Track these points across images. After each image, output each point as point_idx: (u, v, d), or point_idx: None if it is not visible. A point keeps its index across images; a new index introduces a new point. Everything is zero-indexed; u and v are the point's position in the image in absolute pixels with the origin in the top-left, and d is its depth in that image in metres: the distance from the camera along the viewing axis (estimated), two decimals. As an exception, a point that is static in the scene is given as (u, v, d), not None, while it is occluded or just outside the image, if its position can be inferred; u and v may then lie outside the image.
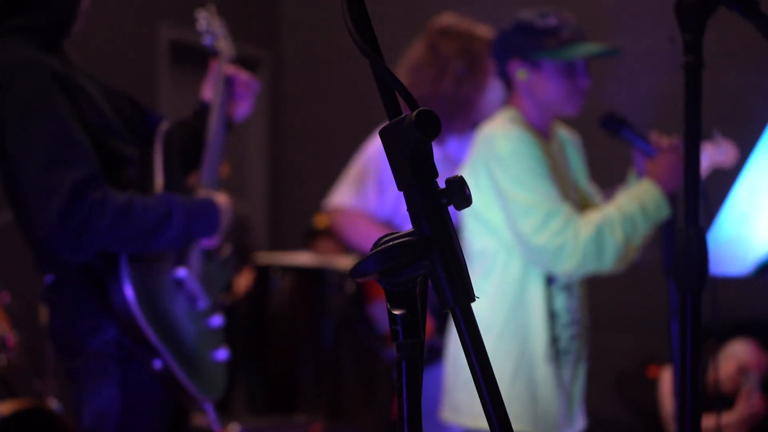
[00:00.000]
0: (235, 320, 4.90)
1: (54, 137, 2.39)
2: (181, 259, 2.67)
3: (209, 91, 2.94)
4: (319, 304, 4.72)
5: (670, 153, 2.72)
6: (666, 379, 4.54)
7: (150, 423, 2.62)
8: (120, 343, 2.53)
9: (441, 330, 3.40)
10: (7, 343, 3.37)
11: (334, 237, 5.95)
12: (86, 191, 2.36)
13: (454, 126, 3.57)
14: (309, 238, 6.27)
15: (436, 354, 3.39)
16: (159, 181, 2.62)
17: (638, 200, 2.69)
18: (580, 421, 2.97)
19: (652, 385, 4.82)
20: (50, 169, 2.36)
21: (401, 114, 1.05)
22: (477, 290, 1.06)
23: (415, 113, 1.02)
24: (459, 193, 1.05)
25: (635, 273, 3.35)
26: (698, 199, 1.77)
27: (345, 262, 4.70)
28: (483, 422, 2.93)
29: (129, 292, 2.47)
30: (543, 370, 2.79)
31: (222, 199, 2.71)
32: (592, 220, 2.70)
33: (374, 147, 3.71)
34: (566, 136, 3.09)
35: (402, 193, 1.06)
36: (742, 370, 4.34)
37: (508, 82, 2.95)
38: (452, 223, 1.06)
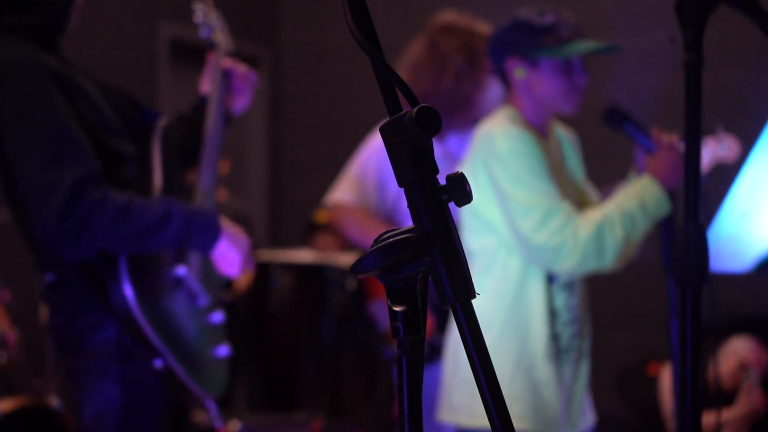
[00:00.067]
0: (235, 318, 4.89)
1: (52, 136, 2.38)
2: (181, 257, 2.66)
3: (207, 85, 2.93)
4: (319, 302, 4.72)
5: (669, 150, 2.72)
6: (666, 377, 4.54)
7: (150, 421, 2.62)
8: (120, 341, 2.52)
9: (442, 328, 3.40)
10: (7, 341, 3.37)
11: (333, 232, 5.94)
12: (85, 190, 2.36)
13: (454, 123, 3.57)
14: (308, 232, 6.26)
15: (436, 352, 3.39)
16: (158, 178, 2.62)
17: (638, 197, 2.69)
18: (588, 417, 2.96)
19: (653, 382, 4.82)
20: (49, 168, 2.36)
21: (402, 111, 1.05)
22: (476, 288, 1.06)
23: (415, 110, 1.02)
24: (460, 190, 1.05)
25: (635, 270, 3.35)
26: (699, 195, 1.77)
27: (345, 260, 4.70)
28: (481, 421, 2.94)
29: (128, 291, 2.46)
30: (543, 369, 2.79)
31: (231, 226, 2.67)
32: (591, 218, 2.70)
33: (375, 144, 3.71)
34: (563, 134, 3.08)
35: (402, 189, 1.06)
36: (742, 367, 4.34)
37: (506, 81, 2.95)
38: (453, 219, 1.06)
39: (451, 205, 1.06)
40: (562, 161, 3.00)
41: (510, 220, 2.75)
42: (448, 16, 3.66)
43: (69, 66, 2.55)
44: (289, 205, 7.30)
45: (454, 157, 3.57)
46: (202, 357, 2.69)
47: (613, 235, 2.67)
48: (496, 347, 2.78)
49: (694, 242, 1.77)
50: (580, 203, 2.98)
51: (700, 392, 1.78)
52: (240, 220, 5.61)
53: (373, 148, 3.70)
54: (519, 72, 2.88)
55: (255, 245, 5.84)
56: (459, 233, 1.07)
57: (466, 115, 3.57)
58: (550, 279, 2.81)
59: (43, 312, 2.62)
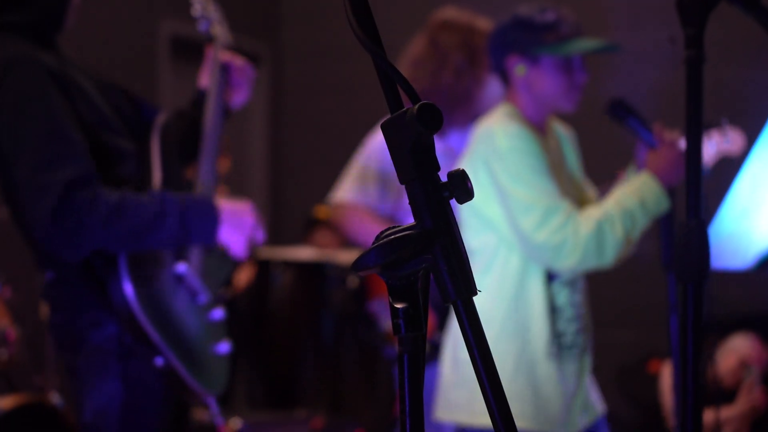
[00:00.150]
0: (236, 315, 4.89)
1: (47, 136, 2.38)
2: (181, 254, 2.66)
3: (206, 79, 2.93)
4: (319, 299, 4.72)
5: (670, 147, 2.72)
6: (667, 374, 4.54)
7: (151, 418, 2.62)
8: (121, 339, 2.52)
9: (443, 326, 3.40)
10: (8, 338, 3.38)
11: (333, 229, 5.95)
12: (78, 190, 2.36)
13: (455, 119, 3.57)
14: (308, 228, 6.26)
15: (437, 351, 3.39)
16: (157, 174, 2.62)
17: (637, 194, 2.69)
18: (597, 407, 2.96)
19: (653, 379, 4.83)
20: (42, 168, 2.36)
21: (403, 107, 1.05)
22: (477, 286, 1.06)
23: (416, 106, 1.02)
24: (461, 187, 1.05)
25: (635, 268, 3.35)
26: (700, 191, 1.77)
27: (346, 257, 4.70)
28: (479, 419, 2.94)
29: (129, 289, 2.46)
30: (544, 367, 2.78)
31: (228, 202, 2.65)
32: (592, 216, 2.70)
33: (376, 141, 3.71)
34: (562, 131, 3.09)
35: (404, 187, 1.06)
36: (743, 365, 4.34)
37: (505, 78, 2.94)
38: (454, 216, 1.06)
39: (452, 202, 1.06)
40: (561, 158, 3.00)
41: (510, 217, 2.75)
42: (448, 13, 3.66)
43: (67, 64, 2.54)
44: (289, 202, 7.30)
45: (456, 154, 3.56)
46: (202, 354, 2.69)
47: (614, 232, 2.67)
48: (496, 345, 2.77)
49: (695, 239, 1.77)
50: (580, 200, 2.98)
51: (701, 389, 1.78)
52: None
53: (375, 145, 3.70)
54: (519, 69, 2.88)
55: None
56: (460, 230, 1.07)
57: (467, 111, 3.57)
58: (552, 276, 2.81)
59: (44, 310, 2.63)
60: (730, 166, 2.60)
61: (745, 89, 5.21)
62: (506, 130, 2.78)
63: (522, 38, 2.85)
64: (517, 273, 2.80)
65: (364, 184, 3.67)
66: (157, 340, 2.50)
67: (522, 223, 2.71)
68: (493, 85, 3.54)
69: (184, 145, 2.88)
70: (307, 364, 4.78)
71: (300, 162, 7.30)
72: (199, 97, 2.92)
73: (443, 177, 1.06)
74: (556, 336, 2.80)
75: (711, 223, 2.27)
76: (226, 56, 2.91)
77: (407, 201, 1.06)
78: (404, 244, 1.04)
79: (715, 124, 2.81)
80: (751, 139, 2.70)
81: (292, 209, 7.07)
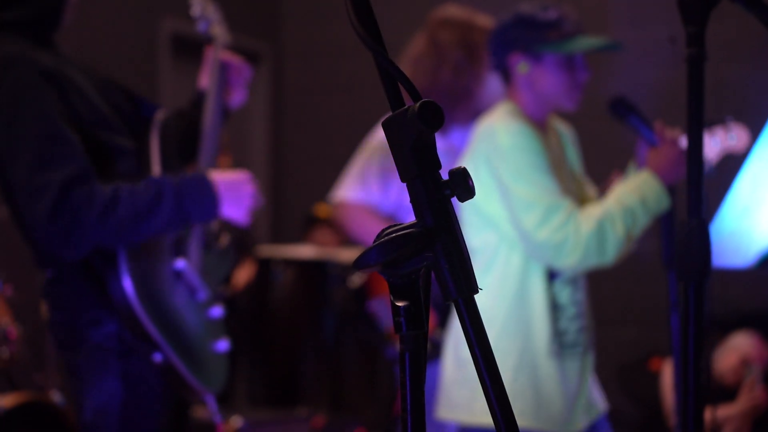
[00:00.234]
0: (236, 313, 4.90)
1: (41, 136, 2.38)
2: (180, 251, 2.66)
3: (206, 80, 2.93)
4: (320, 298, 4.71)
5: (671, 145, 2.72)
6: (668, 372, 4.54)
7: (151, 417, 2.62)
8: (120, 336, 2.52)
9: (443, 324, 3.40)
10: (9, 336, 3.37)
11: (332, 227, 5.95)
12: (73, 189, 2.36)
13: (456, 116, 3.57)
14: (307, 226, 6.27)
15: (438, 349, 3.39)
16: (156, 171, 2.62)
17: (638, 192, 2.69)
18: (599, 406, 2.95)
19: (655, 377, 4.83)
20: (37, 169, 2.36)
21: (404, 105, 1.05)
22: (478, 285, 1.06)
23: (418, 104, 1.02)
24: (462, 185, 1.05)
25: (637, 265, 3.35)
26: (701, 190, 1.77)
27: (347, 255, 4.70)
28: (480, 418, 2.94)
29: (128, 285, 2.46)
30: (546, 365, 2.78)
31: (222, 174, 2.63)
32: (592, 214, 2.70)
33: (378, 139, 3.71)
34: (562, 129, 3.08)
35: (405, 185, 1.06)
36: (744, 363, 4.34)
37: (507, 76, 2.94)
38: (455, 214, 1.06)
39: (453, 201, 1.06)
40: (562, 156, 2.99)
41: (512, 215, 2.75)
42: (447, 10, 3.66)
43: (64, 62, 2.54)
44: (290, 200, 7.31)
45: (458, 152, 3.56)
46: (201, 352, 2.69)
47: (615, 230, 2.67)
48: (498, 344, 2.77)
49: (697, 238, 1.77)
50: (580, 198, 2.98)
51: (702, 388, 1.78)
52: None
53: (377, 143, 3.70)
54: (522, 67, 2.87)
55: (256, 240, 5.85)
56: (461, 229, 1.07)
57: (468, 108, 3.57)
58: (553, 275, 2.81)
59: (44, 308, 2.63)
60: (731, 164, 2.60)
61: (746, 88, 5.21)
62: (508, 128, 2.78)
63: (525, 36, 2.84)
64: (519, 271, 2.80)
65: (365, 181, 3.67)
66: (156, 336, 2.49)
67: (523, 221, 2.71)
68: (493, 82, 3.54)
69: (184, 145, 2.87)
70: (308, 363, 4.78)
71: (301, 160, 7.30)
72: (199, 98, 2.92)
73: (445, 175, 1.06)
74: (558, 334, 2.80)
75: (712, 222, 2.27)
76: (224, 55, 2.91)
77: (408, 199, 1.06)
78: (405, 242, 1.04)
79: (719, 121, 2.81)
80: (752, 137, 2.70)
81: (293, 208, 7.07)
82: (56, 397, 3.45)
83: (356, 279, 4.43)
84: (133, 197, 2.44)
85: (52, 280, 2.56)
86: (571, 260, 2.69)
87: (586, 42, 2.82)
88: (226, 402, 4.70)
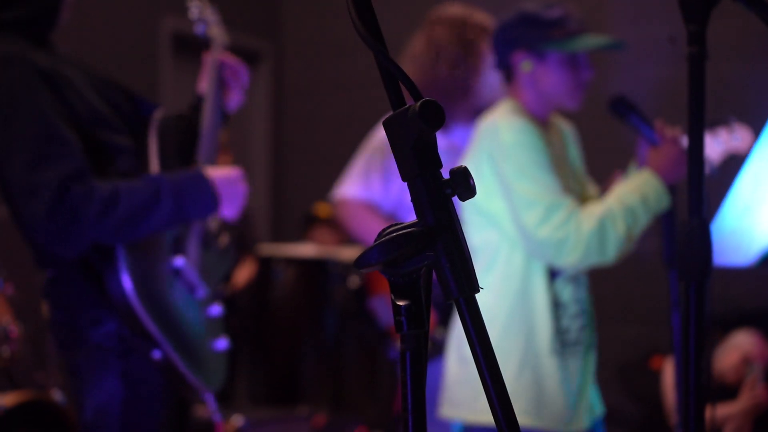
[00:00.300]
0: (237, 312, 4.90)
1: (38, 135, 2.39)
2: (179, 248, 2.66)
3: (204, 84, 2.93)
4: (321, 296, 4.72)
5: (672, 144, 2.72)
6: (669, 370, 4.54)
7: (152, 416, 2.62)
8: (121, 336, 2.52)
9: (443, 323, 3.40)
10: (10, 335, 3.37)
11: (332, 226, 5.95)
12: (71, 186, 2.36)
13: (456, 114, 3.58)
14: (307, 225, 6.27)
15: (438, 347, 3.39)
16: (155, 170, 2.62)
17: (639, 191, 2.69)
18: (597, 408, 2.95)
19: (656, 376, 4.83)
20: (34, 167, 2.37)
21: (405, 105, 1.05)
22: (480, 283, 1.06)
23: (419, 103, 1.01)
24: (463, 184, 1.04)
25: (638, 263, 3.35)
26: (702, 189, 1.77)
27: (348, 254, 4.70)
28: (484, 417, 2.94)
29: (126, 281, 2.46)
30: (549, 363, 2.78)
31: (217, 171, 2.65)
32: (594, 212, 2.69)
33: (380, 138, 3.72)
34: (564, 127, 3.08)
35: (406, 184, 1.06)
36: (746, 361, 4.34)
37: (509, 74, 2.94)
38: (456, 213, 1.06)
39: (454, 199, 1.06)
40: (565, 154, 2.99)
41: (513, 213, 2.75)
42: (444, 8, 3.67)
43: (61, 61, 2.54)
44: (291, 199, 7.31)
45: (459, 150, 3.56)
46: (200, 349, 2.69)
47: (615, 229, 2.67)
48: (501, 343, 2.77)
49: (698, 237, 1.77)
50: (581, 196, 2.98)
51: (703, 386, 1.78)
52: (242, 215, 5.62)
53: (379, 141, 3.71)
54: (525, 65, 2.87)
55: (257, 239, 5.85)
56: (462, 228, 1.07)
57: (467, 105, 3.57)
58: (555, 273, 2.81)
59: (45, 307, 2.63)
60: (733, 164, 2.60)
61: (747, 86, 5.20)
62: (511, 125, 2.78)
63: (528, 34, 2.84)
64: (521, 270, 2.80)
65: (367, 179, 3.67)
66: (155, 333, 2.49)
67: (524, 219, 2.71)
68: (491, 78, 3.54)
69: (183, 147, 2.87)
70: (308, 362, 4.78)
71: (301, 159, 7.30)
72: (198, 102, 2.91)
73: (446, 173, 1.06)
74: (560, 332, 2.79)
75: (713, 220, 2.27)
76: (222, 56, 2.90)
77: (409, 198, 1.06)
78: (406, 241, 1.04)
79: (723, 122, 2.81)
80: (753, 136, 2.70)
81: (294, 206, 7.07)
82: (57, 395, 3.46)
83: (355, 279, 4.44)
84: (132, 195, 2.44)
85: (52, 279, 2.56)
86: (571, 258, 2.69)
87: (589, 41, 2.82)
88: (226, 401, 4.70)
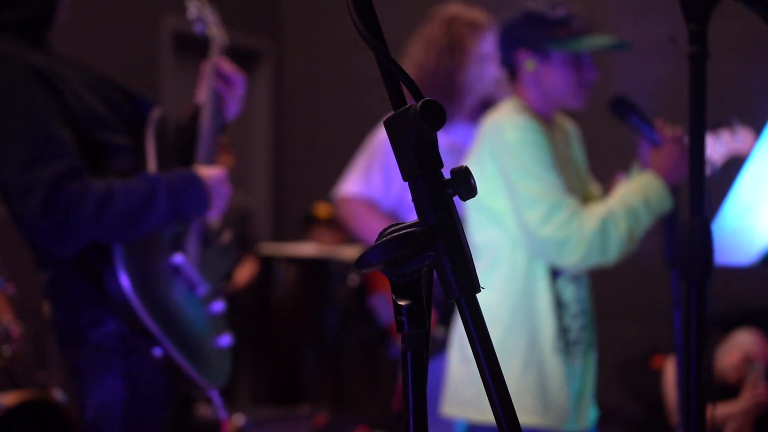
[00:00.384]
0: (238, 311, 4.90)
1: (31, 135, 2.40)
2: (178, 246, 2.66)
3: (203, 94, 2.91)
4: (322, 295, 4.72)
5: (673, 144, 2.72)
6: (670, 370, 4.54)
7: (154, 416, 2.61)
8: (122, 335, 2.52)
9: (443, 321, 3.40)
10: (11, 334, 3.38)
11: (332, 227, 5.96)
12: (65, 185, 2.37)
13: (453, 111, 3.58)
14: (307, 225, 6.27)
15: (437, 346, 3.39)
16: (152, 169, 2.62)
17: (641, 193, 2.69)
18: (592, 411, 2.96)
19: (657, 375, 4.82)
20: (28, 166, 2.37)
21: (406, 104, 1.05)
22: (482, 283, 1.05)
23: (419, 104, 1.01)
24: (464, 184, 1.04)
25: (638, 263, 3.34)
26: (703, 188, 1.77)
27: (349, 253, 4.70)
28: (490, 416, 2.93)
29: (124, 280, 2.46)
30: (552, 362, 2.78)
31: (208, 171, 2.66)
32: (596, 213, 2.69)
33: (381, 136, 3.72)
34: (568, 126, 3.08)
35: (407, 183, 1.06)
36: (747, 360, 4.34)
37: (513, 72, 2.94)
38: (457, 213, 1.06)
39: (456, 198, 1.06)
40: (568, 152, 2.99)
41: (516, 211, 2.75)
42: (442, 7, 3.69)
43: (57, 61, 2.54)
44: (292, 198, 7.31)
45: (460, 148, 3.57)
46: (203, 347, 2.69)
47: (617, 230, 2.67)
48: (505, 342, 2.76)
49: (699, 237, 1.76)
50: (584, 195, 2.98)
51: (705, 386, 1.78)
52: (243, 215, 5.63)
53: (381, 140, 3.71)
54: (529, 64, 2.87)
55: (258, 238, 5.85)
56: (463, 227, 1.07)
57: (462, 101, 3.57)
58: (557, 272, 2.81)
59: (46, 307, 2.63)
60: (734, 164, 2.60)
61: (748, 86, 5.20)
62: (515, 124, 2.78)
63: (532, 33, 2.84)
64: (524, 269, 2.79)
65: (368, 177, 3.68)
66: (155, 330, 2.49)
67: (527, 217, 2.71)
68: (486, 73, 3.55)
69: (182, 157, 2.87)
70: (309, 361, 4.78)
71: (303, 157, 7.30)
72: (197, 113, 2.90)
73: (446, 172, 1.06)
74: (563, 331, 2.79)
75: (714, 220, 2.27)
76: (219, 64, 2.87)
77: (410, 197, 1.06)
78: (408, 241, 1.04)
79: (725, 123, 2.81)
80: (755, 136, 2.70)
81: (295, 205, 7.08)
82: (58, 395, 3.46)
83: (355, 277, 4.44)
84: (127, 194, 2.45)
85: (52, 279, 2.56)
86: (573, 258, 2.68)
87: (593, 41, 2.82)
88: (228, 400, 4.70)
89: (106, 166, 2.53)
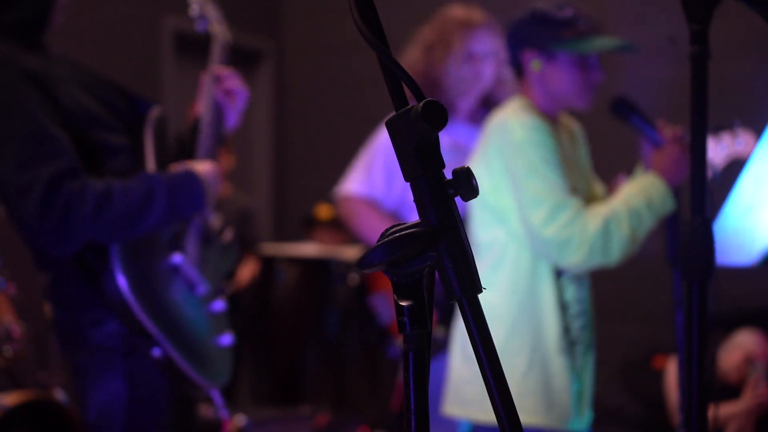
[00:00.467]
0: (240, 311, 4.90)
1: (27, 136, 2.40)
2: (177, 245, 2.65)
3: (203, 106, 2.90)
4: (323, 295, 4.72)
5: (675, 145, 2.72)
6: (672, 370, 4.54)
7: (156, 416, 2.61)
8: (122, 336, 2.52)
9: (443, 321, 3.40)
10: (12, 334, 3.38)
11: (333, 229, 5.96)
12: (62, 184, 2.37)
13: (451, 110, 3.58)
14: (307, 227, 6.27)
15: (438, 346, 3.39)
16: (151, 169, 2.62)
17: (644, 194, 2.69)
18: (588, 413, 2.95)
19: (658, 375, 4.82)
20: (24, 167, 2.37)
21: (407, 105, 1.05)
22: (486, 282, 1.05)
23: (421, 104, 1.01)
24: (466, 184, 1.04)
25: (641, 262, 3.34)
26: (704, 189, 1.76)
27: (350, 253, 4.70)
28: (493, 415, 2.92)
29: (122, 280, 2.46)
30: (556, 362, 2.77)
31: (203, 167, 2.66)
32: (599, 213, 2.69)
33: (383, 136, 3.72)
34: (573, 126, 3.08)
35: (409, 183, 1.06)
36: (748, 360, 4.34)
37: (519, 72, 2.94)
38: (459, 213, 1.06)
39: (458, 198, 1.06)
40: (574, 152, 2.99)
41: (521, 210, 2.75)
42: (443, 9, 3.70)
43: (52, 63, 2.54)
44: (293, 198, 7.31)
45: (462, 148, 3.56)
46: (203, 346, 2.68)
47: (620, 231, 2.67)
48: (508, 342, 2.76)
49: (700, 237, 1.76)
50: (588, 196, 2.98)
51: (706, 386, 1.78)
52: (244, 214, 5.63)
53: (383, 139, 3.71)
54: (535, 64, 2.87)
55: (260, 239, 5.85)
56: (465, 227, 1.07)
57: (443, 99, 3.56)
58: (559, 272, 2.80)
59: (48, 308, 2.63)
60: (736, 166, 2.60)
61: (749, 86, 5.20)
62: (523, 122, 2.78)
63: (539, 33, 2.84)
64: (529, 269, 2.79)
65: (370, 176, 3.68)
66: (153, 331, 2.49)
67: (531, 217, 2.71)
68: (480, 73, 3.55)
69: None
70: (310, 361, 4.78)
71: (304, 158, 7.30)
72: (197, 124, 2.89)
73: (448, 172, 1.06)
74: (566, 331, 2.79)
75: (716, 220, 2.27)
76: (220, 75, 2.85)
77: (412, 197, 1.06)
78: (409, 241, 1.04)
79: (727, 126, 2.80)
80: (756, 136, 2.70)
81: (296, 205, 7.08)
82: (60, 395, 3.46)
83: (355, 277, 4.44)
84: (126, 194, 2.45)
85: (53, 280, 2.56)
86: (576, 258, 2.68)
87: (599, 42, 2.82)
88: (229, 400, 4.70)
89: (103, 166, 2.53)
